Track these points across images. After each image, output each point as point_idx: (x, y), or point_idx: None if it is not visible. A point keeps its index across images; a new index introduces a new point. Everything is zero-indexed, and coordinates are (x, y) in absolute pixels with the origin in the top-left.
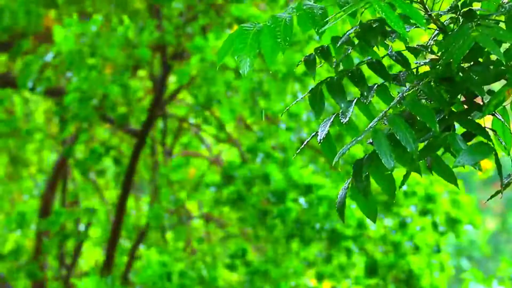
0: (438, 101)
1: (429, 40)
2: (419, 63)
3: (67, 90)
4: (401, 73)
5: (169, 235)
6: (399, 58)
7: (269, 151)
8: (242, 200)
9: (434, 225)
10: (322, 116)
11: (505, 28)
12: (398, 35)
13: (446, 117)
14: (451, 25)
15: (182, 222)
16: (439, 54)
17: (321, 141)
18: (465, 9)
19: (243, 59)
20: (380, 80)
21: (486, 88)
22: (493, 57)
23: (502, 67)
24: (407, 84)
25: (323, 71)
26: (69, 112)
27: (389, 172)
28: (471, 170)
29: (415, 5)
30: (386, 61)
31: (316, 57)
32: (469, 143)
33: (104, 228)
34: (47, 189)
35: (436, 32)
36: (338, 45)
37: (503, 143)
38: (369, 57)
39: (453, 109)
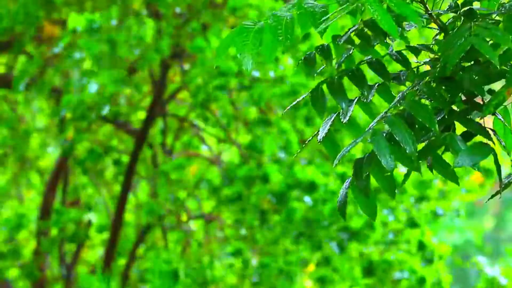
0: (438, 100)
1: (433, 40)
2: (420, 63)
3: (66, 89)
4: (402, 72)
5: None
6: (400, 57)
7: (270, 150)
8: (241, 200)
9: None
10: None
11: (503, 29)
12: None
13: (446, 117)
14: (452, 24)
15: (181, 224)
16: (439, 53)
17: (322, 140)
18: (465, 8)
19: (245, 56)
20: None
21: (486, 87)
22: None
23: (503, 67)
24: (407, 84)
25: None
26: (69, 112)
27: (389, 173)
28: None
29: (415, 4)
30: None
31: (316, 56)
32: (469, 143)
33: (104, 228)
34: (47, 189)
35: (438, 32)
36: (339, 44)
37: (503, 143)
38: (370, 56)
39: (453, 108)
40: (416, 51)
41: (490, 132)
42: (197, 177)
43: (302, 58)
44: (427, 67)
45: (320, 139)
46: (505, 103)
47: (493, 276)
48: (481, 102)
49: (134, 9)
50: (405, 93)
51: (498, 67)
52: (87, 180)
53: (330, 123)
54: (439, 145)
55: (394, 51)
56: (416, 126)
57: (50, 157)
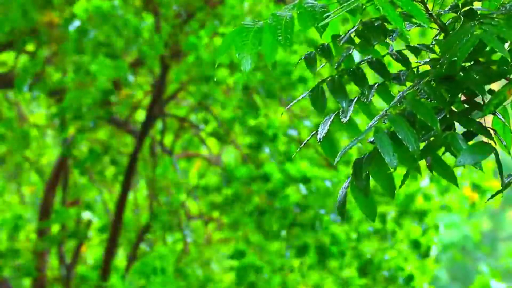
0: (438, 100)
1: (433, 40)
2: (420, 62)
3: (67, 85)
4: (402, 72)
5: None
6: (400, 57)
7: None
8: (239, 201)
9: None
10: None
11: (506, 26)
12: (399, 34)
13: (447, 117)
14: (452, 24)
15: (180, 224)
16: (440, 53)
17: (321, 140)
18: (465, 8)
19: (244, 56)
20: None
21: (486, 87)
22: (494, 56)
23: (504, 67)
24: (408, 83)
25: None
26: (69, 112)
27: (391, 171)
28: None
29: (417, 4)
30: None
31: (317, 55)
32: (470, 143)
33: (104, 227)
34: (47, 189)
35: (438, 32)
36: (339, 43)
37: (504, 143)
38: (370, 56)
39: (453, 108)
40: (416, 51)
41: (491, 131)
42: (197, 178)
43: (303, 57)
44: (427, 67)
45: (319, 139)
46: (505, 103)
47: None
48: (481, 102)
49: (134, 6)
50: (405, 93)
51: (509, 59)
52: (87, 180)
53: (329, 123)
54: (440, 145)
55: (394, 51)
56: (417, 126)
57: (49, 156)
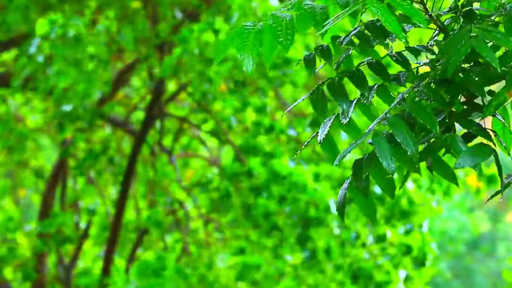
0: (438, 102)
1: (430, 40)
2: (420, 64)
3: (52, 87)
4: (401, 73)
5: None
6: (400, 58)
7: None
8: (229, 198)
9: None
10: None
11: (503, 31)
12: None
13: (447, 118)
14: (452, 25)
15: (180, 224)
16: (438, 55)
17: (321, 141)
18: (465, 9)
19: (246, 57)
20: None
21: (486, 89)
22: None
23: (504, 68)
24: (407, 85)
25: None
26: (67, 113)
27: (391, 174)
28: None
29: (415, 5)
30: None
31: (316, 56)
32: (470, 144)
33: (103, 228)
34: (47, 190)
35: (436, 32)
36: (340, 45)
37: (504, 144)
38: (369, 57)
39: (453, 110)
40: (415, 52)
41: (491, 133)
42: (196, 178)
43: (302, 58)
44: (427, 68)
45: (320, 141)
46: (505, 104)
47: None
48: (481, 103)
49: (132, 9)
50: (405, 95)
51: (498, 69)
52: (86, 181)
53: (329, 124)
54: (439, 147)
55: (394, 52)
56: (416, 127)
57: (46, 157)
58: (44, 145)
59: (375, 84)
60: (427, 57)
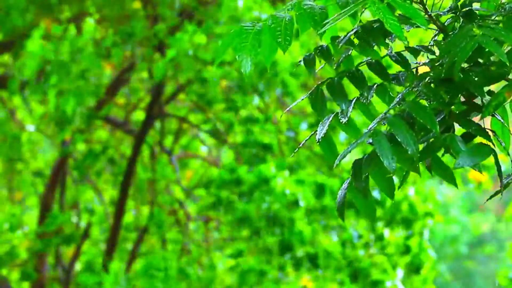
0: (438, 102)
1: (431, 41)
2: (419, 64)
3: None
4: (401, 73)
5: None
6: (399, 58)
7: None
8: (220, 204)
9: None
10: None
11: (505, 29)
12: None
13: (446, 118)
14: (451, 25)
15: (180, 224)
16: (439, 55)
17: (320, 141)
18: (465, 10)
19: (244, 58)
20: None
21: (485, 89)
22: (493, 58)
23: (504, 69)
24: (407, 85)
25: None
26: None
27: (391, 174)
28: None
29: (414, 5)
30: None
31: (316, 56)
32: (469, 144)
33: (103, 228)
34: (46, 191)
35: (436, 32)
36: (339, 45)
37: (503, 144)
38: (369, 57)
39: (453, 109)
40: (415, 52)
41: (490, 133)
42: (196, 178)
43: (302, 59)
44: (426, 68)
45: (318, 140)
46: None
47: None
48: (480, 103)
49: (132, 9)
50: (404, 94)
51: (507, 63)
52: (85, 181)
53: (328, 123)
54: (439, 146)
55: (393, 52)
56: (416, 127)
57: (44, 158)
58: (43, 146)
59: (375, 84)
60: (427, 57)
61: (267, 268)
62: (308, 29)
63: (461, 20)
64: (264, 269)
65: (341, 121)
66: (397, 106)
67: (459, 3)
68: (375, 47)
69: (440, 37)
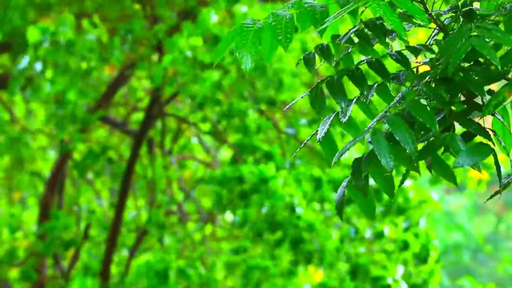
0: (438, 101)
1: (429, 39)
2: (419, 63)
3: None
4: (401, 72)
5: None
6: (399, 57)
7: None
8: (221, 202)
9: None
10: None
11: (504, 30)
12: (398, 34)
13: (446, 117)
14: (452, 24)
15: (181, 222)
16: (438, 54)
17: (320, 140)
18: (465, 9)
19: (244, 55)
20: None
21: (486, 88)
22: None
23: (504, 68)
24: (407, 84)
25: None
26: (66, 114)
27: (390, 173)
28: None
29: (416, 4)
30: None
31: (316, 55)
32: (469, 144)
33: (102, 228)
34: (46, 191)
35: (436, 31)
36: (339, 44)
37: (503, 144)
38: (369, 56)
39: (453, 109)
40: (415, 51)
41: (490, 132)
42: (195, 179)
43: (302, 57)
44: (426, 67)
45: (319, 139)
46: (504, 103)
47: None
48: (480, 103)
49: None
50: (404, 93)
51: (500, 68)
52: (85, 182)
53: (329, 122)
54: (439, 145)
55: (393, 51)
56: (416, 126)
57: (46, 159)
58: (42, 147)
59: (375, 83)
60: (425, 56)
61: (270, 264)
62: (309, 28)
63: (461, 19)
64: (268, 265)
65: (341, 120)
66: (397, 105)
67: (459, 3)
68: (376, 46)
69: (440, 36)
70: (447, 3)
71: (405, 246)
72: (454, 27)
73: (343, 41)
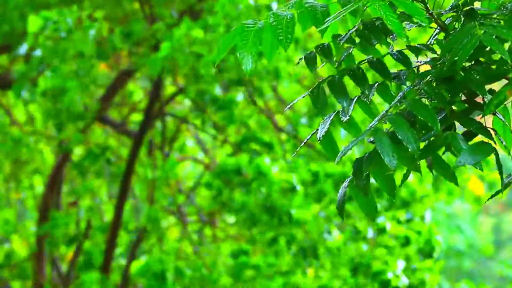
0: (439, 100)
1: (430, 39)
2: (420, 62)
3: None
4: (402, 71)
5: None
6: (400, 57)
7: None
8: (220, 196)
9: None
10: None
11: (507, 27)
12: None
13: (447, 116)
14: (453, 24)
15: (181, 222)
16: (440, 53)
17: (321, 139)
18: (466, 8)
19: (245, 55)
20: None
21: (487, 87)
22: (495, 56)
23: (505, 67)
24: (408, 83)
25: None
26: (65, 113)
27: (391, 172)
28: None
29: (416, 4)
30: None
31: (317, 55)
32: (470, 143)
33: (102, 229)
34: (46, 191)
35: (437, 31)
36: (339, 43)
37: (504, 143)
38: (370, 56)
39: (454, 108)
40: (416, 50)
41: (491, 131)
42: (192, 179)
43: (303, 56)
44: (427, 66)
45: (319, 138)
46: (505, 102)
47: None
48: (481, 102)
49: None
50: (405, 93)
51: (509, 61)
52: (85, 181)
53: (329, 121)
54: (440, 145)
55: (394, 51)
56: (417, 126)
57: (45, 160)
58: (41, 148)
59: (376, 82)
60: (426, 55)
61: (272, 261)
62: (309, 27)
63: (462, 19)
64: (266, 263)
65: (342, 119)
66: (398, 105)
67: (460, 2)
68: (377, 45)
69: (441, 36)
70: (448, 2)
71: (407, 241)
72: (456, 27)
73: (343, 41)
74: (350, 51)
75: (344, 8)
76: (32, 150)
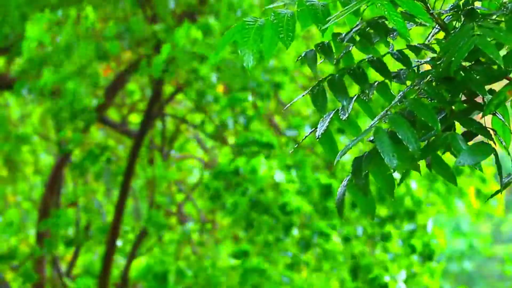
0: (439, 100)
1: (429, 37)
2: (420, 62)
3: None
4: (402, 71)
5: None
6: (400, 56)
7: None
8: (219, 197)
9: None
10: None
11: (506, 29)
12: (400, 33)
13: (447, 117)
14: (453, 23)
15: (181, 223)
16: (439, 53)
17: (320, 137)
18: (466, 8)
19: (246, 53)
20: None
21: (487, 87)
22: None
23: (506, 67)
24: (408, 83)
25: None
26: (64, 113)
27: (391, 172)
28: None
29: (418, 3)
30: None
31: (317, 53)
32: (470, 143)
33: (102, 229)
34: (46, 191)
35: (436, 30)
36: (340, 42)
37: (504, 143)
38: (371, 55)
39: (454, 108)
40: (416, 50)
41: (491, 131)
42: (191, 180)
43: (302, 54)
44: (427, 66)
45: (318, 137)
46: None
47: None
48: (481, 102)
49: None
50: (405, 92)
51: (502, 67)
52: (84, 182)
53: (328, 120)
54: (440, 145)
55: (395, 50)
56: (417, 125)
57: (44, 160)
58: (41, 149)
59: (376, 81)
60: (425, 54)
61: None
62: (310, 25)
63: (463, 19)
64: (265, 268)
65: (341, 117)
66: (398, 104)
67: (460, 2)
68: (376, 45)
69: (441, 35)
70: (448, 2)
71: (412, 250)
72: (456, 26)
73: (342, 40)
74: (349, 50)
75: (347, 7)
76: (31, 151)
